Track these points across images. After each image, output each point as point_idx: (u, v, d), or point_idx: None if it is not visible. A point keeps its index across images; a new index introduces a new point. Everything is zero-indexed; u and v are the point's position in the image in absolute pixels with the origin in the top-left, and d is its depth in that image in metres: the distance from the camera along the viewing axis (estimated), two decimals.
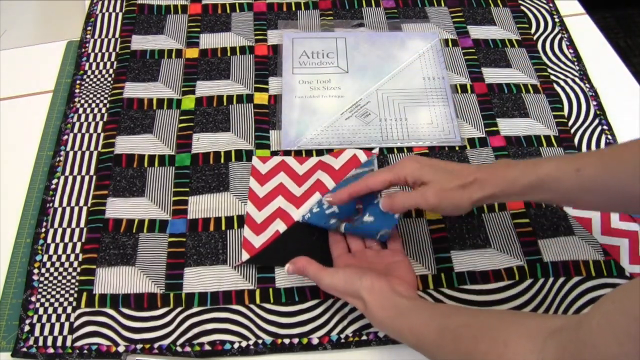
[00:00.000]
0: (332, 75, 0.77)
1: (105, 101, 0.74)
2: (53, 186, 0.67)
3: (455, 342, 0.46)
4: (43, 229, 0.64)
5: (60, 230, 0.64)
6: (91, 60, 0.79)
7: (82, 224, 0.64)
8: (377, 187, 0.57)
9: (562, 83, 0.78)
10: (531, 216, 0.65)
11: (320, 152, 0.70)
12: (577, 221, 0.65)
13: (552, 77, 0.79)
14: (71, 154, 0.70)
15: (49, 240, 0.63)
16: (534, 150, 0.71)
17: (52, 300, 0.60)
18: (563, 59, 0.81)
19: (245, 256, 0.62)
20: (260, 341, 0.58)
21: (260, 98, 0.75)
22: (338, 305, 0.59)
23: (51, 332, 0.58)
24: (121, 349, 0.57)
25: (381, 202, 0.58)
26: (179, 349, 0.57)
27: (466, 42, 0.82)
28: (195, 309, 0.59)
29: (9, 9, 0.90)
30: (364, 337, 0.58)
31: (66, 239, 0.63)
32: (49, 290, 0.60)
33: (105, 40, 0.81)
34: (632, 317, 0.33)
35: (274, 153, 0.70)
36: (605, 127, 0.74)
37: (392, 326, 0.51)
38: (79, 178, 0.68)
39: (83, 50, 0.80)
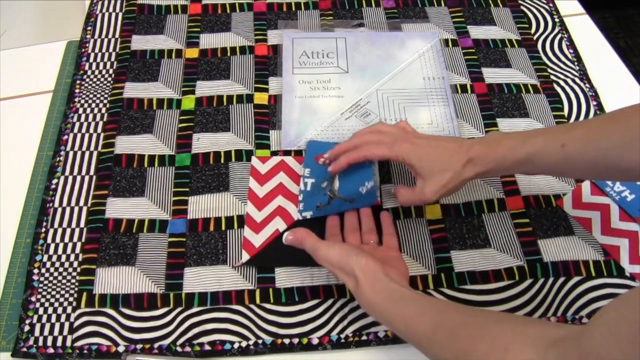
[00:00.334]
0: (332, 75, 0.77)
1: (105, 101, 0.74)
2: (53, 186, 0.67)
3: (450, 340, 0.46)
4: (43, 229, 0.64)
5: (60, 230, 0.64)
6: (91, 60, 0.79)
7: (82, 224, 0.64)
8: (375, 159, 0.62)
9: (562, 83, 0.78)
10: (531, 216, 0.65)
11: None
12: (577, 221, 0.65)
13: (552, 77, 0.79)
14: (71, 154, 0.70)
15: (49, 240, 0.63)
16: None
17: (52, 300, 0.60)
18: (563, 59, 0.81)
19: (245, 256, 0.62)
20: (260, 341, 0.58)
21: (260, 98, 0.75)
22: (338, 305, 0.59)
23: (51, 332, 0.58)
24: (121, 349, 0.57)
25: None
26: (179, 349, 0.57)
27: (466, 42, 0.82)
28: (195, 309, 0.59)
29: (9, 9, 0.90)
30: (364, 337, 0.58)
31: (66, 239, 0.63)
32: (49, 290, 0.60)
33: (105, 40, 0.81)
34: (635, 325, 0.33)
35: (274, 153, 0.70)
36: None
37: (381, 310, 0.51)
38: (79, 178, 0.68)
39: (83, 50, 0.80)
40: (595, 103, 0.76)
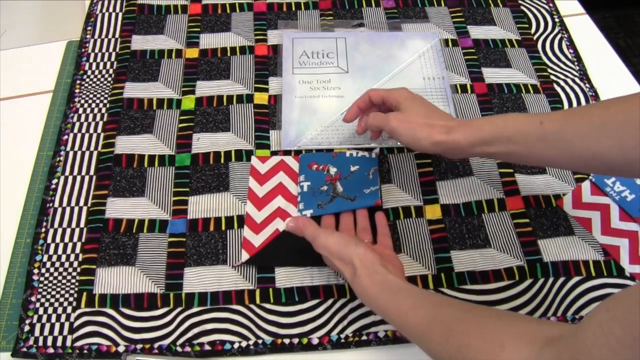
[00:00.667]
0: (332, 75, 0.77)
1: (105, 101, 0.74)
2: (53, 186, 0.67)
3: (445, 334, 0.46)
4: (43, 229, 0.64)
5: (60, 230, 0.64)
6: (91, 60, 0.79)
7: (82, 224, 0.64)
8: (375, 100, 0.63)
9: (562, 83, 0.78)
10: (531, 216, 0.65)
11: (320, 152, 0.70)
12: (577, 221, 0.65)
13: (552, 77, 0.79)
14: (71, 154, 0.70)
15: (49, 240, 0.63)
16: None
17: (52, 300, 0.60)
18: (563, 59, 0.81)
19: (245, 256, 0.62)
20: (260, 341, 0.58)
21: (260, 98, 0.75)
22: (338, 305, 0.59)
23: (51, 332, 0.58)
24: (121, 349, 0.57)
25: (357, 125, 0.65)
26: (179, 349, 0.57)
27: (466, 42, 0.82)
28: (195, 309, 0.59)
29: (9, 9, 0.90)
30: (364, 337, 0.58)
31: (66, 239, 0.63)
32: (49, 290, 0.60)
33: (105, 40, 0.81)
34: (626, 325, 0.33)
35: (274, 153, 0.70)
36: None
37: (377, 301, 0.51)
38: (79, 178, 0.68)
39: (83, 50, 0.80)
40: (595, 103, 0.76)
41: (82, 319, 0.58)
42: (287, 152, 0.70)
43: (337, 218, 0.64)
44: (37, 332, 0.58)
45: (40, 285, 0.61)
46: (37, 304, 0.59)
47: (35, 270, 0.61)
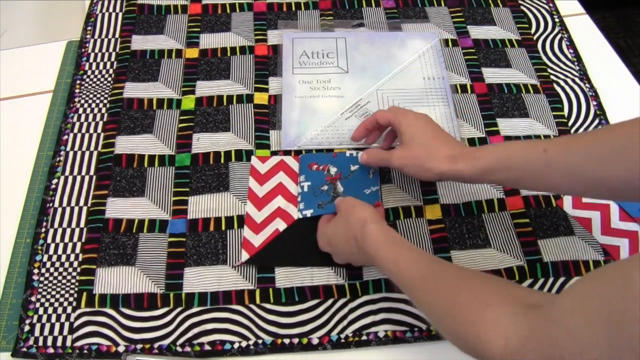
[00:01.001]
0: (332, 75, 0.77)
1: (105, 101, 0.74)
2: (53, 186, 0.67)
3: (436, 286, 0.48)
4: (43, 229, 0.64)
5: (60, 230, 0.64)
6: (91, 60, 0.79)
7: (82, 224, 0.64)
8: (382, 122, 0.64)
9: (562, 83, 0.78)
10: (531, 216, 0.65)
11: (320, 152, 0.70)
12: (577, 221, 0.65)
13: (552, 77, 0.79)
14: (71, 154, 0.70)
15: (49, 240, 0.63)
16: None
17: (52, 300, 0.60)
18: (563, 59, 0.81)
19: (245, 256, 0.62)
20: (260, 341, 0.58)
21: (260, 98, 0.75)
22: (338, 305, 0.59)
23: (51, 332, 0.58)
24: (121, 349, 0.57)
25: (360, 156, 0.65)
26: (179, 349, 0.57)
27: (466, 42, 0.82)
28: (195, 309, 0.59)
29: (9, 9, 0.90)
30: (364, 337, 0.58)
31: (66, 239, 0.63)
32: (49, 290, 0.60)
33: (105, 40, 0.81)
34: (604, 298, 0.34)
35: (274, 153, 0.70)
36: None
37: (377, 248, 0.53)
38: (79, 178, 0.68)
39: (83, 50, 0.80)
40: (595, 103, 0.76)
41: (82, 319, 0.58)
42: (287, 152, 0.70)
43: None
44: (37, 332, 0.58)
45: (40, 285, 0.61)
46: (37, 304, 0.59)
47: (35, 270, 0.61)
